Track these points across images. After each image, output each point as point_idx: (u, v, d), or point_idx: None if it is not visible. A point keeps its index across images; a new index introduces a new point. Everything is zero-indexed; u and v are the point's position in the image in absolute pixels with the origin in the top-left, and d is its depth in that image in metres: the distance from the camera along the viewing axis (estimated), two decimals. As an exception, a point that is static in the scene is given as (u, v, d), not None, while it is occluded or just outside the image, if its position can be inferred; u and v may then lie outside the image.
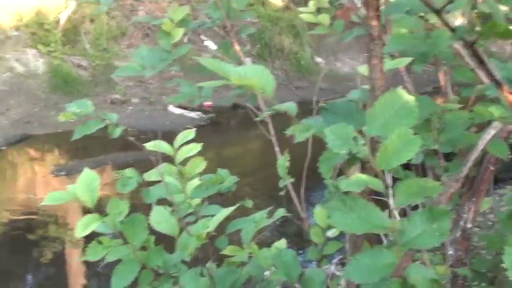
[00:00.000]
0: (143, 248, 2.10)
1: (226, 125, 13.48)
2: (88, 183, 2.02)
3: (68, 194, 2.02)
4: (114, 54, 15.02)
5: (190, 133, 2.43)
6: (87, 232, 1.96)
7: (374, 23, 1.63)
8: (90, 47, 14.83)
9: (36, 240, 8.23)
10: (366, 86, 1.83)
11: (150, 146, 2.43)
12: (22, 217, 8.89)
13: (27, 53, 14.04)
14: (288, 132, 1.76)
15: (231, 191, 2.55)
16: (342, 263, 5.45)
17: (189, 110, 13.90)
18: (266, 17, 15.99)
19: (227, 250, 2.43)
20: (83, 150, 12.13)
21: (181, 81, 2.86)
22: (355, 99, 1.96)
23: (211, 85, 1.52)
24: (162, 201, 2.46)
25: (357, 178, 1.48)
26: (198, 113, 13.79)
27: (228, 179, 2.50)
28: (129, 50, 15.42)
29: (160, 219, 2.35)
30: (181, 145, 2.42)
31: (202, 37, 15.12)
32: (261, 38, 15.91)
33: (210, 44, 15.68)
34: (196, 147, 2.42)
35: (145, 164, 2.15)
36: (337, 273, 4.59)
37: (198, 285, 2.07)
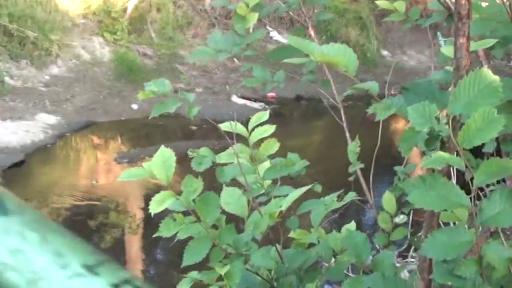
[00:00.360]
0: (214, 226, 2.12)
1: (289, 116, 13.47)
2: (164, 160, 2.04)
3: (143, 171, 2.05)
4: (180, 43, 15.09)
5: (264, 115, 2.44)
6: (161, 208, 1.99)
7: (463, 1, 1.61)
8: (156, 36, 14.93)
9: (96, 226, 8.34)
10: (448, 67, 1.82)
11: (224, 126, 2.44)
12: (84, 203, 9.00)
13: (94, 41, 14.19)
14: (370, 110, 1.76)
15: (301, 175, 2.55)
16: (402, 256, 5.42)
17: (252, 101, 13.93)
18: (333, 8, 15.88)
19: (295, 233, 2.44)
20: (145, 138, 12.24)
21: (254, 65, 2.87)
22: (437, 80, 1.94)
23: (293, 61, 1.53)
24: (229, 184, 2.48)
25: (439, 155, 1.48)
26: (261, 103, 13.80)
27: (298, 163, 2.51)
28: (194, 39, 15.49)
29: (231, 200, 2.37)
30: (255, 127, 2.44)
31: (268, 28, 15.11)
32: (327, 29, 15.83)
33: (276, 35, 15.67)
34: (270, 128, 2.43)
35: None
36: (397, 264, 4.57)
37: (269, 264, 2.09)
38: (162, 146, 2.06)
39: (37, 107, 12.04)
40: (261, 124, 2.42)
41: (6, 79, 12.37)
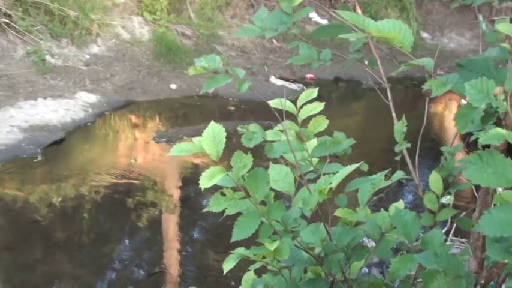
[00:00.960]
0: (262, 203, 2.12)
1: (327, 98, 13.41)
2: (214, 135, 2.04)
3: (194, 146, 2.05)
4: (218, 24, 15.11)
5: (313, 92, 2.44)
6: (211, 184, 1.99)
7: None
8: (195, 16, 14.95)
9: (134, 205, 8.38)
10: (505, 44, 1.80)
11: (274, 103, 2.43)
12: (122, 181, 9.06)
13: (133, 21, 14.25)
14: (425, 87, 1.75)
15: (347, 154, 2.54)
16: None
17: (291, 82, 13.92)
18: (374, -11, 15.84)
19: (340, 212, 2.43)
20: (183, 118, 12.28)
21: (301, 43, 2.85)
22: (493, 57, 1.92)
23: (348, 37, 1.52)
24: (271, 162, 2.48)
25: (496, 132, 1.46)
26: (300, 85, 13.79)
27: (345, 141, 2.50)
28: (233, 20, 15.50)
29: (278, 177, 2.37)
30: (304, 104, 2.43)
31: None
32: (366, 10, 15.76)
33: (315, 16, 15.63)
34: (319, 106, 2.43)
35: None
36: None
37: (318, 240, 2.09)
38: (212, 121, 2.05)
39: (77, 86, 12.14)
40: (310, 102, 2.41)
41: (47, 58, 12.48)
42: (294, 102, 2.53)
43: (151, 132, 11.22)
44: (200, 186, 1.95)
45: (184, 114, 12.42)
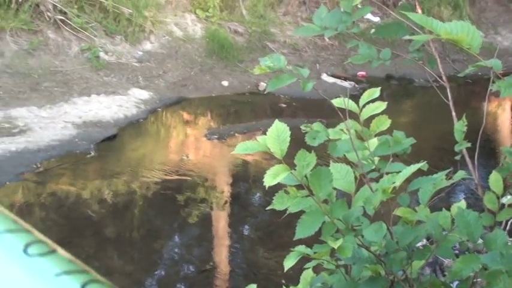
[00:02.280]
0: (324, 201, 2.13)
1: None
2: (278, 134, 2.06)
3: (258, 144, 2.07)
4: (271, 21, 15.12)
5: (376, 92, 2.44)
6: (275, 182, 2.00)
7: None
8: (247, 13, 14.98)
9: (185, 201, 8.43)
10: None
11: (336, 102, 2.44)
12: (174, 177, 9.12)
13: (186, 18, 14.33)
14: (494, 88, 1.74)
15: (406, 153, 2.54)
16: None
17: (342, 79, 13.89)
18: (426, -13, 15.70)
19: (400, 211, 2.43)
20: (234, 115, 12.33)
21: (361, 43, 2.85)
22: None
23: (419, 39, 1.52)
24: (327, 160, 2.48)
25: None
26: (351, 82, 13.75)
27: (405, 141, 2.49)
28: (285, 17, 15.51)
29: (338, 175, 2.38)
30: (366, 103, 2.44)
31: (359, 6, 14.98)
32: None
33: (367, 14, 15.56)
34: (382, 105, 2.43)
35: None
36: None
37: (381, 238, 2.09)
38: (276, 120, 2.07)
39: (130, 82, 12.27)
40: (372, 101, 2.42)
41: (101, 54, 12.63)
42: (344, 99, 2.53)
43: (203, 129, 11.28)
44: (264, 184, 1.97)
45: (235, 111, 12.47)
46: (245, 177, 9.40)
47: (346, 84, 13.63)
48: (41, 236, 0.57)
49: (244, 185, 9.16)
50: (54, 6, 12.58)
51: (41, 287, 0.52)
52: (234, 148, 2.14)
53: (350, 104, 2.41)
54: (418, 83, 14.38)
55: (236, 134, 10.86)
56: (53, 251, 0.56)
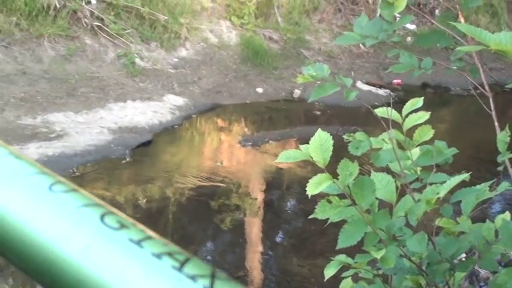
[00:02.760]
0: (367, 211, 2.12)
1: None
2: (321, 143, 2.06)
3: (301, 153, 2.07)
4: (306, 28, 15.11)
5: (418, 102, 2.43)
6: (318, 191, 2.00)
7: None
8: (282, 20, 14.98)
9: (219, 207, 8.43)
10: None
11: (379, 111, 2.43)
12: (207, 184, 9.12)
13: (221, 25, 14.37)
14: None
15: (447, 163, 2.52)
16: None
17: (377, 87, 13.83)
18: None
19: (443, 222, 2.41)
20: (269, 122, 12.32)
21: (402, 52, 2.84)
22: None
23: (467, 49, 1.51)
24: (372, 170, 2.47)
25: None
26: (386, 90, 13.69)
27: (447, 150, 2.48)
28: (320, 24, 15.49)
29: (379, 185, 2.37)
30: (409, 113, 2.43)
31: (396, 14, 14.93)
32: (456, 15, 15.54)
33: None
34: (425, 115, 2.42)
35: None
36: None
37: (424, 249, 2.08)
38: (319, 129, 2.07)
39: (165, 89, 12.31)
40: (415, 110, 2.41)
41: (137, 61, 12.70)
42: (377, 107, 2.52)
43: (237, 136, 11.27)
44: (307, 193, 1.97)
45: (269, 118, 12.47)
46: (279, 184, 9.39)
47: (382, 92, 13.57)
48: (64, 179, 0.64)
49: (278, 192, 9.16)
50: (92, 13, 12.69)
51: (64, 218, 0.60)
52: (268, 155, 2.15)
53: (393, 114, 2.41)
54: (454, 91, 14.29)
55: (270, 141, 10.85)
56: (74, 189, 0.63)
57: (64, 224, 0.59)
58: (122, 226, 0.60)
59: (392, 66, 2.83)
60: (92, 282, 0.56)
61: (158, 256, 0.57)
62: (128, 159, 9.67)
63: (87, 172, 9.09)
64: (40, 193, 0.62)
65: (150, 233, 0.62)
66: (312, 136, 2.11)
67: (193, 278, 0.55)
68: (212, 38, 14.02)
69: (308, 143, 2.23)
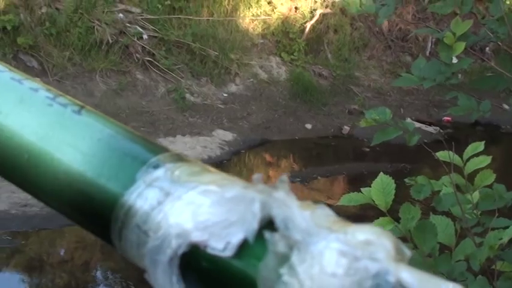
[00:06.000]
0: (428, 254, 2.12)
1: (464, 142, 13.13)
2: (383, 187, 2.07)
3: (363, 196, 2.08)
4: (355, 65, 15.13)
5: (479, 146, 2.44)
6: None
7: None
8: (332, 57, 15.02)
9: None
10: None
11: (441, 155, 2.45)
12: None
13: (271, 61, 14.44)
14: None
15: (507, 206, 2.51)
16: None
17: (427, 124, 13.75)
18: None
19: (503, 266, 2.40)
20: (317, 158, 12.32)
21: (460, 94, 2.85)
22: None
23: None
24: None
25: None
26: (436, 127, 13.60)
27: (507, 194, 2.47)
28: (370, 61, 15.50)
29: (439, 228, 2.37)
30: (471, 156, 2.43)
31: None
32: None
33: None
34: (486, 160, 2.42)
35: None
36: None
37: (487, 295, 2.07)
38: (381, 173, 2.09)
39: (215, 124, 12.39)
40: (477, 154, 2.42)
41: (187, 96, 12.81)
42: (427, 144, 2.53)
43: (286, 172, 11.27)
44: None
45: (318, 154, 12.47)
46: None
47: (431, 129, 13.48)
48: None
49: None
50: (143, 48, 12.86)
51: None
52: (317, 191, 2.17)
53: (455, 157, 2.41)
54: (505, 129, 14.16)
55: (319, 177, 10.85)
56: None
57: None
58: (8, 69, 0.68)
59: (451, 108, 2.84)
60: None
61: (35, 90, 0.66)
62: (177, 194, 9.72)
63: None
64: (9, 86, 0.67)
65: (35, 79, 0.69)
66: (360, 173, 2.13)
67: (64, 105, 0.64)
68: (262, 74, 14.09)
69: (356, 180, 2.25)
